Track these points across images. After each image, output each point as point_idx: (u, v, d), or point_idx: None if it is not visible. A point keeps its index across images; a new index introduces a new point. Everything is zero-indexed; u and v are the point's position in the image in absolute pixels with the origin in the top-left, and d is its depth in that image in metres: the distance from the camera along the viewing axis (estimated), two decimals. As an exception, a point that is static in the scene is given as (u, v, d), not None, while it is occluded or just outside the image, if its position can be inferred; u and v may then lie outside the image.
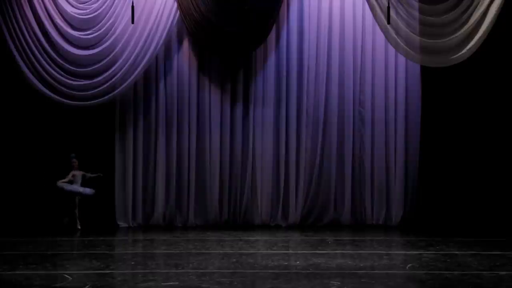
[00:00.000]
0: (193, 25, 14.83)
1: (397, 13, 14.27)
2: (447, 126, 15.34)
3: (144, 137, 15.36)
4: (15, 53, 14.36)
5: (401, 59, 15.34)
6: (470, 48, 14.01)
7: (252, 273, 10.18)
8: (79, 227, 14.74)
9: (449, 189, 15.22)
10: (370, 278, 9.68)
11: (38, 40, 14.47)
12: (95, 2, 14.79)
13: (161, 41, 14.89)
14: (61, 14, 14.61)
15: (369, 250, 12.54)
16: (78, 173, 14.81)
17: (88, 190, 14.84)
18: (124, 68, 14.76)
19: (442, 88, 15.28)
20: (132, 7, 14.10)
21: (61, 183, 14.68)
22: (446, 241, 13.02)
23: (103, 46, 14.76)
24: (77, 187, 14.75)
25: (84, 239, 13.25)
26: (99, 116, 15.08)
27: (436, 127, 15.36)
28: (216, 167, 15.44)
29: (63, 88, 14.55)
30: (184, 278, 9.63)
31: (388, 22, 14.14)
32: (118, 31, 14.77)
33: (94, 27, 14.75)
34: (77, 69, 14.67)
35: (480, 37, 13.93)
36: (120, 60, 14.76)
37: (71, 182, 14.76)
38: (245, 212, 15.51)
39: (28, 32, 14.43)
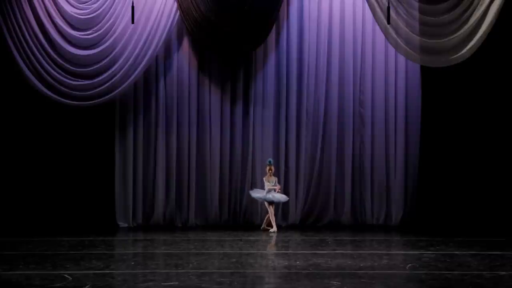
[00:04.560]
0: (193, 25, 14.84)
1: (397, 13, 14.28)
2: (447, 126, 15.35)
3: (144, 137, 15.37)
4: (15, 53, 14.37)
5: (401, 59, 15.35)
6: (470, 48, 14.02)
7: (252, 273, 10.18)
8: (274, 231, 14.42)
9: (449, 189, 15.23)
10: (370, 278, 9.67)
11: (38, 40, 14.47)
12: (95, 2, 14.79)
13: (161, 41, 14.90)
14: (61, 14, 14.61)
15: (369, 250, 12.54)
16: (272, 179, 14.54)
17: (282, 198, 14.64)
18: (124, 68, 14.77)
19: (442, 88, 15.29)
20: (132, 7, 14.11)
21: (253, 193, 14.60)
22: (446, 241, 13.03)
23: (103, 46, 14.77)
24: (270, 196, 14.45)
25: (84, 239, 13.24)
26: (99, 116, 15.08)
27: (436, 127, 15.36)
28: (216, 167, 15.45)
29: (63, 88, 14.55)
30: (184, 278, 9.63)
31: (388, 22, 14.14)
32: (118, 31, 14.78)
33: (94, 27, 14.76)
34: (77, 69, 14.68)
35: (480, 37, 13.94)
36: (120, 60, 14.77)
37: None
38: (245, 212, 15.52)
39: (28, 32, 14.43)
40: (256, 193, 14.59)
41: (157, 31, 14.86)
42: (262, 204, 14.82)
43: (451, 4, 14.19)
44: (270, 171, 14.54)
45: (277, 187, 14.54)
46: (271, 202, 14.53)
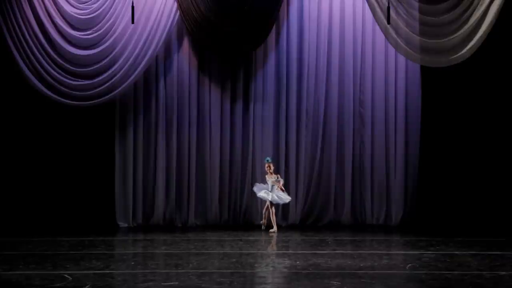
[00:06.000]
0: (193, 25, 14.84)
1: (397, 13, 14.28)
2: (446, 126, 15.35)
3: (144, 137, 15.36)
4: (15, 53, 14.35)
5: (401, 59, 15.35)
6: (470, 48, 14.02)
7: (252, 273, 10.18)
8: (274, 231, 14.34)
9: (449, 189, 15.23)
10: (370, 278, 9.68)
11: (38, 40, 14.46)
12: (95, 2, 14.79)
13: (161, 41, 14.90)
14: (61, 14, 14.61)
15: (369, 250, 12.54)
16: (273, 177, 14.43)
17: (287, 199, 14.52)
18: (124, 68, 14.76)
19: (442, 88, 15.29)
20: (132, 7, 14.11)
21: (258, 192, 14.47)
22: (446, 241, 13.03)
23: (103, 46, 14.77)
24: (276, 198, 14.34)
25: (84, 239, 13.24)
26: (99, 116, 15.08)
27: (436, 127, 15.36)
28: (216, 167, 15.45)
29: (63, 88, 14.55)
30: (184, 278, 9.63)
31: (388, 22, 14.14)
32: (118, 31, 14.77)
33: (94, 27, 14.75)
34: (77, 69, 14.67)
35: (481, 37, 13.94)
36: (120, 60, 14.76)
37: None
38: (245, 212, 15.52)
39: (28, 32, 14.42)
40: (261, 192, 14.49)
41: (157, 31, 14.85)
42: (262, 201, 14.78)
43: (451, 4, 14.19)
44: (269, 168, 14.52)
45: (280, 182, 14.49)
46: (274, 203, 14.52)
